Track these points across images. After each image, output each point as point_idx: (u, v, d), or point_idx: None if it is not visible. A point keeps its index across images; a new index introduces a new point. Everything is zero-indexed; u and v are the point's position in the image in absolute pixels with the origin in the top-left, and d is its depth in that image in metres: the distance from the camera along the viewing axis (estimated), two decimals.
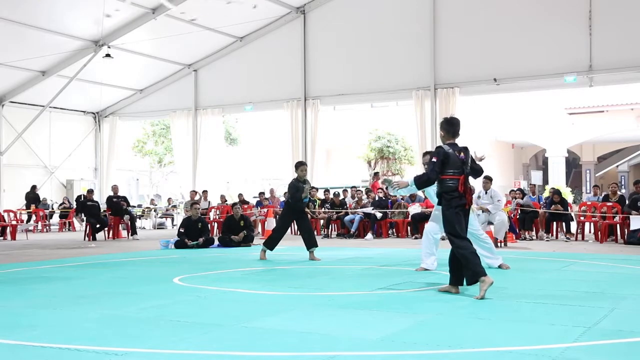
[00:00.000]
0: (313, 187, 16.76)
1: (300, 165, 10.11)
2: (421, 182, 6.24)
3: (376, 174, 16.86)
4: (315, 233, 12.18)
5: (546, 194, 17.79)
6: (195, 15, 17.67)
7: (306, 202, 10.36)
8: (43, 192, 21.75)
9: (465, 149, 6.19)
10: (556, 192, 15.05)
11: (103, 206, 17.47)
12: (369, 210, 15.74)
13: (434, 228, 8.00)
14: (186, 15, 17.17)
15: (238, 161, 30.42)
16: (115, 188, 17.24)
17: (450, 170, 6.03)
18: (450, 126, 6.22)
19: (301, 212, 10.21)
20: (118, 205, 16.41)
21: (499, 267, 8.18)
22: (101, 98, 21.94)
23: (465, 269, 5.91)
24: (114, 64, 19.05)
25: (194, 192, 18.90)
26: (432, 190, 7.56)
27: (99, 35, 18.10)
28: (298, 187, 9.93)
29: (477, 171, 6.56)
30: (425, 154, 8.33)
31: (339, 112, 27.79)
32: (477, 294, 5.78)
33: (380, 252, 11.20)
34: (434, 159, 6.06)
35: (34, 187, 20.67)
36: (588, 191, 28.56)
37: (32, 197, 20.54)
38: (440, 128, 6.34)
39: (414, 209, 15.24)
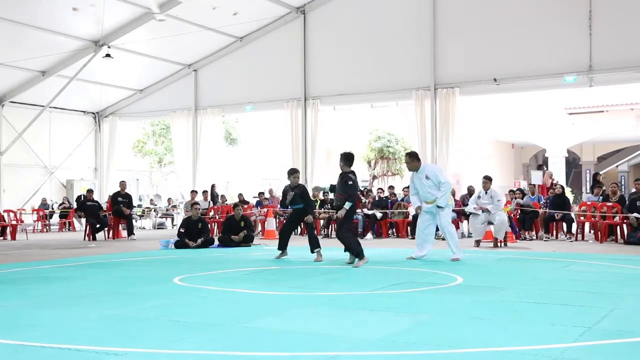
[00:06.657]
0: (317, 187, 16.96)
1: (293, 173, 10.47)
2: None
3: (540, 166, 16.76)
4: (315, 232, 12.16)
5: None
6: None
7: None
8: (43, 192, 21.77)
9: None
10: (561, 186, 15.17)
11: (104, 205, 17.41)
12: (368, 212, 15.73)
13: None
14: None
15: (238, 161, 30.39)
16: (123, 184, 16.51)
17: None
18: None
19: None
20: (119, 208, 15.87)
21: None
22: (101, 98, 21.95)
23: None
24: (114, 64, 19.04)
25: (194, 192, 18.79)
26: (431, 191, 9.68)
27: (99, 35, 18.10)
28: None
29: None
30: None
31: (339, 112, 27.75)
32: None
33: (380, 252, 11.20)
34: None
35: (213, 186, 20.08)
36: (587, 191, 28.54)
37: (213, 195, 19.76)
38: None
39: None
